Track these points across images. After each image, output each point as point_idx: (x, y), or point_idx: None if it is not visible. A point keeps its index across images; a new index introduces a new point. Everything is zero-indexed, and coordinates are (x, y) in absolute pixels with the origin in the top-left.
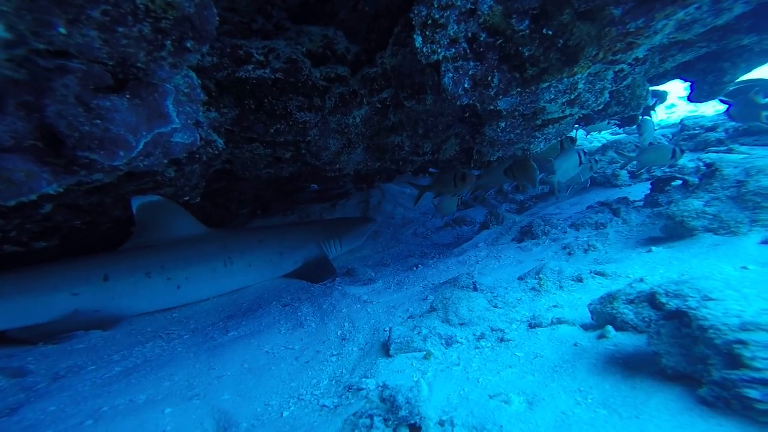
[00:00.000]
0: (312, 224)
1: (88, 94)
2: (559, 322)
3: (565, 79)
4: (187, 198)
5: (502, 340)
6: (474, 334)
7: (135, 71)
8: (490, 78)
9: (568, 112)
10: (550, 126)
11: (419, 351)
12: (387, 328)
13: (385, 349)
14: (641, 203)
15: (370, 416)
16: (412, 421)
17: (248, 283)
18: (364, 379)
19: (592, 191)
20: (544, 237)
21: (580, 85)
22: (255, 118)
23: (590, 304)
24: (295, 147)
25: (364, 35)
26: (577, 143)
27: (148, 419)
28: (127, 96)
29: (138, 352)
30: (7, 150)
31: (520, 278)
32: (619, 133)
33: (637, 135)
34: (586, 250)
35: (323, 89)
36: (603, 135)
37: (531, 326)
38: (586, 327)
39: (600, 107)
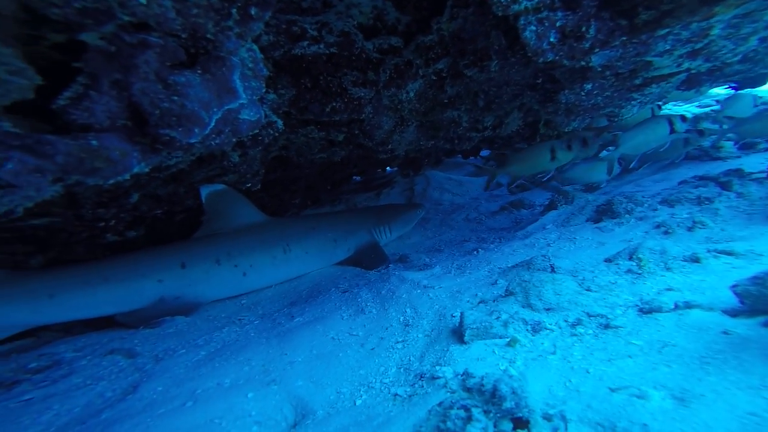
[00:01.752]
0: (361, 211)
1: (165, 70)
2: (688, 306)
3: (695, 24)
4: (249, 185)
5: (607, 326)
6: (566, 320)
7: (204, 43)
8: (584, 28)
9: (686, 66)
10: (653, 85)
11: (501, 337)
12: (455, 314)
13: (458, 336)
14: (763, 175)
15: (464, 407)
16: (519, 415)
17: (305, 270)
18: (438, 367)
19: (682, 166)
20: (627, 216)
21: (715, 31)
22: (311, 97)
23: (735, 286)
24: (348, 128)
25: (414, 4)
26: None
27: (235, 403)
28: (199, 71)
29: (217, 337)
30: (105, 129)
31: (608, 260)
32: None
33: (723, 106)
34: (690, 228)
35: (377, 62)
36: (687, 107)
37: (643, 311)
38: (733, 312)
39: (736, 59)
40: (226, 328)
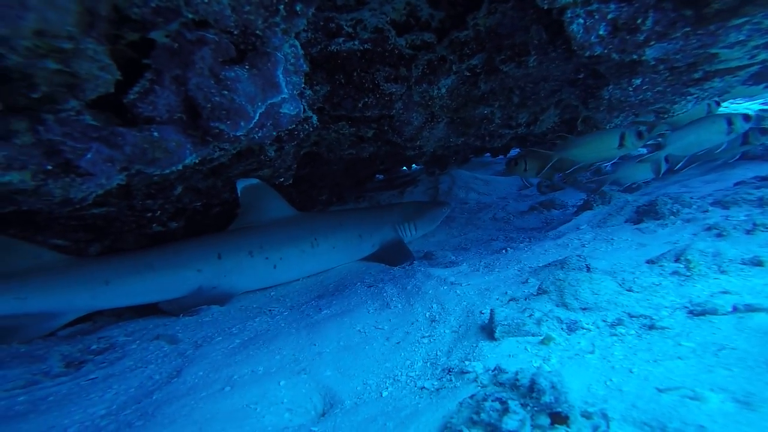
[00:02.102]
0: (387, 208)
1: (218, 66)
2: (751, 309)
3: None
4: (282, 179)
5: (651, 327)
6: (604, 320)
7: (253, 39)
8: (640, 20)
9: (762, 57)
10: (715, 79)
11: (534, 335)
12: (484, 311)
13: (488, 332)
14: None
15: (499, 400)
16: (558, 410)
17: (331, 264)
18: (467, 363)
19: (739, 167)
20: (672, 217)
21: None
22: (344, 93)
23: None
24: (377, 124)
25: (448, 0)
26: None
27: (268, 390)
28: (246, 66)
29: (250, 326)
30: (164, 122)
31: (650, 262)
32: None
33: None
34: (749, 231)
35: (409, 58)
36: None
37: (694, 314)
38: None
39: None
40: (257, 318)
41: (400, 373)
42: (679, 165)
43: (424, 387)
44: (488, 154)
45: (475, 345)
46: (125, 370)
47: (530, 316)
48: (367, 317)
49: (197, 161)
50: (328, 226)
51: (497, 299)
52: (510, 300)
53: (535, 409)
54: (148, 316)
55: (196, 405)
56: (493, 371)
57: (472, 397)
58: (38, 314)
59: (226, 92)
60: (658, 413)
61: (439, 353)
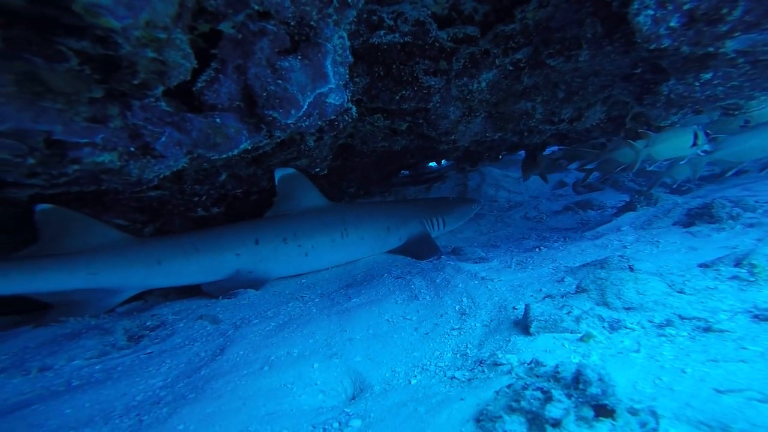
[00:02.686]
0: (415, 202)
1: (274, 56)
2: None
3: None
4: (318, 170)
5: (707, 329)
6: (650, 321)
7: (307, 30)
8: (726, 10)
9: None
10: None
11: (572, 332)
12: (517, 306)
13: (521, 327)
14: None
15: (541, 389)
16: (604, 402)
17: (359, 255)
18: (500, 355)
19: None
20: (731, 221)
21: None
22: (382, 86)
23: None
24: (412, 117)
25: None
26: None
27: (303, 371)
28: (299, 57)
29: (284, 310)
30: (225, 109)
31: (704, 266)
32: None
33: None
34: None
35: (450, 51)
36: None
37: (760, 318)
38: None
39: None
40: (291, 303)
41: (428, 363)
42: (731, 172)
43: (454, 377)
44: (522, 152)
45: (507, 339)
46: (175, 347)
47: (568, 313)
48: (395, 307)
49: (249, 148)
50: (358, 217)
51: (531, 296)
52: (545, 297)
53: (580, 400)
54: (191, 297)
55: (239, 382)
56: (529, 364)
57: (509, 386)
58: (104, 290)
59: (280, 81)
60: (719, 413)
61: (469, 345)
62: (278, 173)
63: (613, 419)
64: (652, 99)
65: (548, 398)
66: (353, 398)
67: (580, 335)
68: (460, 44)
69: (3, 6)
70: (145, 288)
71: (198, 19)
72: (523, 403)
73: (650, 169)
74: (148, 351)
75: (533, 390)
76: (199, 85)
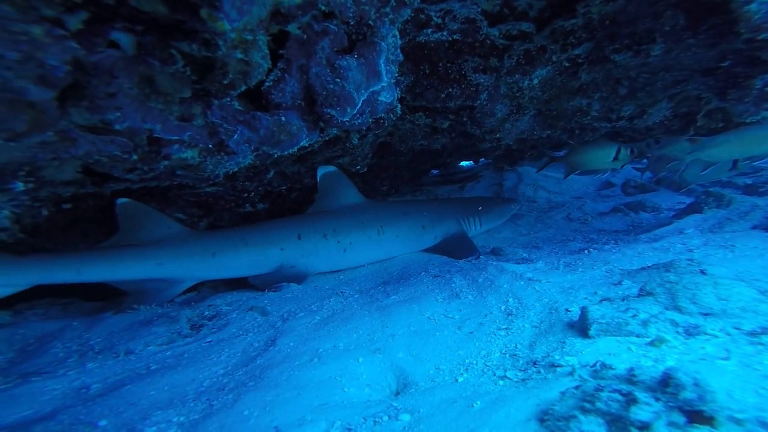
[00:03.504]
0: (451, 201)
1: (333, 55)
2: None
3: None
4: (358, 167)
5: None
6: (737, 328)
7: (365, 30)
8: None
9: None
10: None
11: (638, 336)
12: (571, 309)
13: (578, 330)
14: None
15: (619, 391)
16: (700, 408)
17: (395, 253)
18: (557, 357)
19: None
20: None
21: None
22: (428, 84)
23: None
24: (455, 115)
25: None
26: None
27: (348, 364)
28: (355, 55)
29: (326, 305)
30: (288, 108)
31: None
32: None
33: None
34: None
35: (503, 48)
36: None
37: None
38: None
39: None
40: (332, 298)
41: (474, 362)
42: None
43: (505, 376)
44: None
45: (563, 341)
46: (231, 336)
47: (634, 316)
48: (435, 305)
49: (306, 145)
50: (394, 215)
51: (585, 298)
52: (603, 300)
53: (670, 404)
54: (239, 289)
55: (292, 373)
56: (592, 367)
57: (576, 387)
58: (168, 280)
59: (338, 80)
60: None
61: (519, 346)
62: (320, 171)
63: (713, 427)
64: (738, 93)
65: (631, 401)
66: (397, 393)
67: (649, 339)
68: (513, 41)
69: (149, 14)
70: (201, 279)
71: (270, 21)
72: (598, 405)
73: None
74: (208, 340)
75: (610, 392)
76: (267, 84)
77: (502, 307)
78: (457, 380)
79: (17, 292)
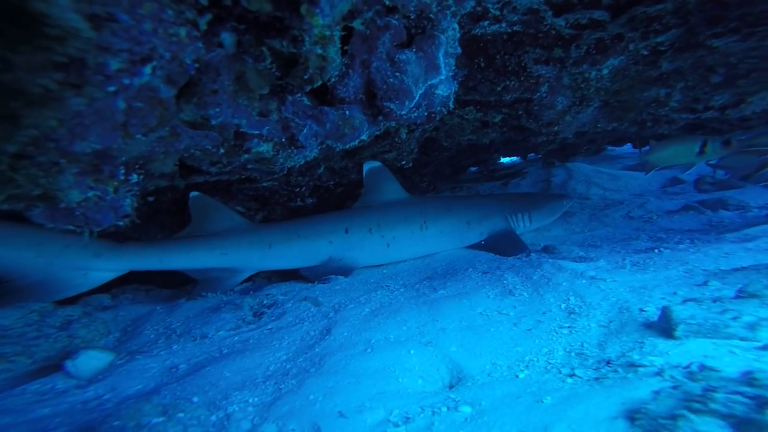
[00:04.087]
0: (497, 196)
1: (393, 50)
2: None
3: None
4: (403, 162)
5: None
6: None
7: (425, 23)
8: None
9: None
10: None
11: (743, 339)
12: (646, 308)
13: (659, 330)
14: None
15: (742, 394)
16: None
17: (438, 249)
18: (636, 357)
19: None
20: None
21: None
22: (482, 77)
23: None
24: (509, 108)
25: None
26: None
27: (400, 355)
28: (414, 49)
29: (374, 297)
30: (351, 102)
31: None
32: None
33: None
34: None
35: (569, 38)
36: None
37: None
38: None
39: None
40: (378, 291)
41: (535, 359)
42: None
43: (573, 374)
44: (611, 147)
45: (640, 341)
46: (289, 324)
47: (735, 318)
48: (487, 301)
49: (365, 138)
50: (437, 210)
51: (662, 298)
52: (687, 300)
53: None
54: (289, 281)
55: (349, 361)
56: (686, 368)
57: (675, 387)
58: (230, 269)
59: (398, 74)
60: None
61: (585, 345)
62: (366, 166)
63: None
64: None
65: (764, 404)
66: (451, 386)
67: (760, 344)
68: (583, 30)
69: (253, 13)
70: (258, 269)
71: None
72: (714, 406)
73: None
74: (269, 327)
75: (728, 394)
76: (333, 79)
77: (563, 306)
78: (517, 376)
79: (116, 277)
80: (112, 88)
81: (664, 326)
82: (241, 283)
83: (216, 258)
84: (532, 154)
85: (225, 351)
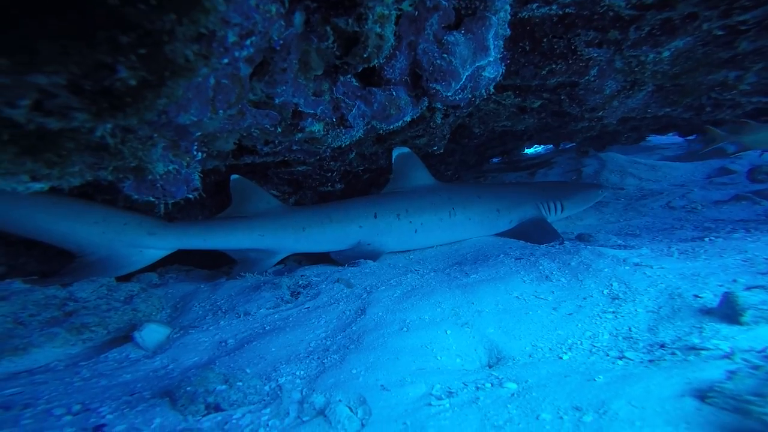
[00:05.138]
0: (528, 184)
1: (441, 31)
2: None
3: None
4: (435, 148)
5: None
6: None
7: (477, 4)
8: None
9: None
10: None
11: None
12: (701, 295)
13: (720, 316)
14: None
15: None
16: None
17: (466, 236)
18: (696, 341)
19: None
20: None
21: None
22: (525, 61)
23: None
24: (551, 93)
25: None
26: None
27: (437, 335)
28: (462, 31)
29: (404, 281)
30: (396, 83)
31: None
32: None
33: None
34: None
35: (629, 19)
36: None
37: None
38: None
39: None
40: (408, 275)
41: (579, 342)
42: None
43: (623, 357)
44: (653, 137)
45: (699, 326)
46: (325, 304)
47: None
48: (522, 286)
49: (407, 120)
50: (467, 197)
51: (720, 285)
52: (750, 288)
53: None
54: (320, 264)
55: (386, 339)
56: (761, 352)
57: (756, 368)
58: (267, 251)
59: (446, 55)
60: None
61: (633, 329)
62: (396, 152)
63: None
64: None
65: None
66: (489, 366)
67: None
68: (646, 10)
69: None
70: (291, 251)
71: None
72: None
73: None
74: (306, 306)
75: None
76: (381, 60)
77: (605, 291)
78: (561, 358)
79: (165, 256)
80: (225, 60)
81: (728, 312)
82: (275, 265)
83: (255, 239)
84: (567, 142)
85: (268, 327)
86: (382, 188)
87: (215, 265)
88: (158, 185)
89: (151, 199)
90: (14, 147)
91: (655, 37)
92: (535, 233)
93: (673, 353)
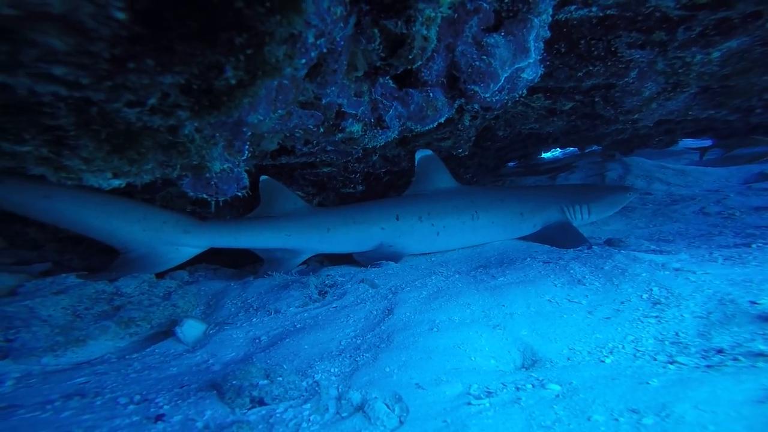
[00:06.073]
0: (553, 187)
1: (480, 33)
2: None
3: None
4: (460, 150)
5: None
6: None
7: (520, 5)
8: None
9: None
10: None
11: None
12: (760, 301)
13: None
14: None
15: None
16: None
17: (488, 239)
18: (762, 347)
19: None
20: None
21: None
22: (560, 63)
23: None
24: (584, 95)
25: None
26: None
27: (468, 336)
28: (503, 33)
29: (429, 282)
30: (433, 85)
31: None
32: None
33: None
34: None
35: (678, 20)
36: None
37: None
38: None
39: None
40: (432, 277)
41: (620, 346)
42: None
43: (675, 361)
44: (687, 140)
45: (762, 333)
46: (352, 304)
47: None
48: (554, 290)
49: (442, 121)
50: (490, 201)
51: None
52: None
53: None
54: (342, 264)
55: (416, 339)
56: None
57: None
58: (293, 250)
59: (485, 57)
60: None
61: (681, 334)
62: (419, 154)
63: None
64: None
65: None
66: (524, 368)
67: None
68: (698, 10)
69: None
70: (316, 252)
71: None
72: None
73: None
74: (334, 305)
75: None
76: (419, 62)
77: (644, 296)
78: (603, 361)
79: (198, 254)
80: (303, 61)
81: None
82: (299, 265)
83: (282, 239)
84: (591, 146)
85: (298, 325)
86: (401, 190)
87: (238, 264)
88: (213, 183)
89: (205, 196)
90: (108, 145)
91: (708, 38)
92: (560, 237)
93: (735, 359)
